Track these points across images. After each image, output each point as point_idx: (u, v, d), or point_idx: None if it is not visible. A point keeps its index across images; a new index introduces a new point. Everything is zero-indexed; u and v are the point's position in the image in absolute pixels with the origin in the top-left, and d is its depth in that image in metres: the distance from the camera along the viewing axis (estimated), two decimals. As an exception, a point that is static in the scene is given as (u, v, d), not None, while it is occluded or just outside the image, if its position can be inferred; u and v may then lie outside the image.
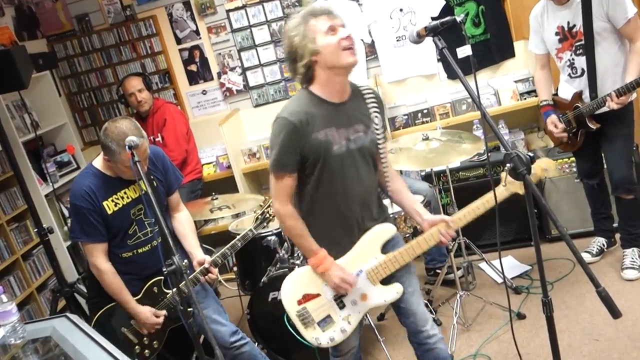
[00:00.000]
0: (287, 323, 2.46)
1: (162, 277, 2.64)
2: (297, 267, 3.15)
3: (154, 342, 2.72)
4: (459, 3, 4.48)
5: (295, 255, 3.30)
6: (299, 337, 2.37)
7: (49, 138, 4.67)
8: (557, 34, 3.16)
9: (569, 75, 3.22)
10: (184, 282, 2.05)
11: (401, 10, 4.51)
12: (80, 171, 2.63)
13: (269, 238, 3.33)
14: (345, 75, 2.13)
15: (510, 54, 4.54)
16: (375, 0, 4.52)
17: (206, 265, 2.62)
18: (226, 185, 4.55)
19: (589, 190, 3.53)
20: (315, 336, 2.28)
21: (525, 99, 4.34)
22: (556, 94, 3.39)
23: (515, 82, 4.41)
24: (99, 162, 2.61)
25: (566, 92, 3.27)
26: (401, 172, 4.10)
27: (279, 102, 4.86)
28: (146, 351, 2.71)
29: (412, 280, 2.33)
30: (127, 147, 2.29)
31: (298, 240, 2.23)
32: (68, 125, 4.69)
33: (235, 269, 3.71)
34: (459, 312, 3.27)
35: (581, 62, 3.11)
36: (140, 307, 2.61)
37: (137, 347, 2.69)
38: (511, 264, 3.77)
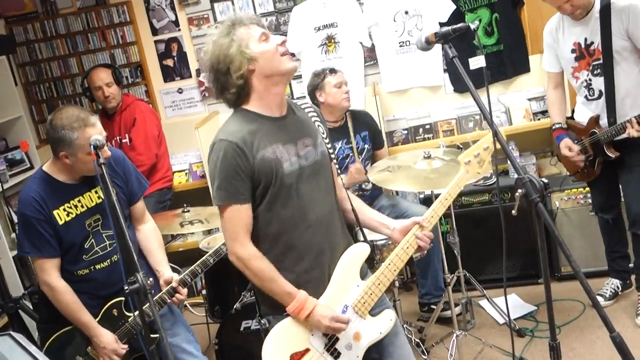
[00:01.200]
0: None
1: (123, 298, 2.62)
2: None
3: None
4: (470, 9, 4.55)
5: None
6: None
7: (1, 132, 4.64)
8: (573, 51, 3.23)
9: (586, 97, 3.28)
10: (148, 303, 2.03)
11: (407, 12, 4.57)
12: (29, 176, 2.59)
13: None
14: (285, 84, 2.13)
15: (525, 68, 4.61)
16: (378, 1, 4.57)
17: (174, 284, 2.61)
18: (199, 197, 4.54)
19: (604, 226, 3.58)
20: None
21: (539, 119, 4.39)
22: (571, 117, 3.45)
23: (529, 100, 4.48)
24: (49, 166, 2.59)
25: (583, 115, 3.33)
26: (397, 192, 4.14)
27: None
28: None
29: (389, 306, 2.31)
30: (91, 146, 2.30)
31: (269, 285, 2.09)
32: (23, 119, 4.66)
33: (204, 292, 3.70)
34: (455, 354, 3.28)
35: (599, 83, 3.17)
36: (102, 330, 2.58)
37: None
38: (515, 303, 3.81)
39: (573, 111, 3.49)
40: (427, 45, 1.86)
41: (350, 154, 3.80)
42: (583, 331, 3.39)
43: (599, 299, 3.61)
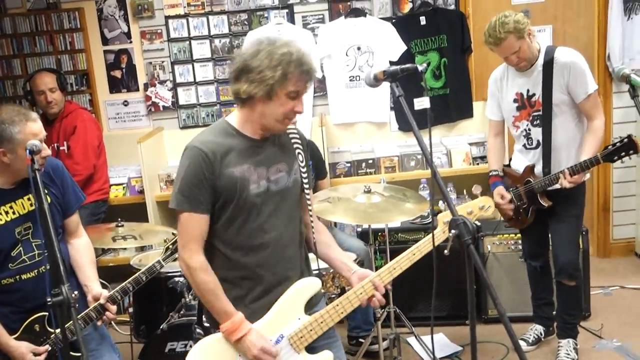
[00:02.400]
0: None
1: (47, 313, 2.48)
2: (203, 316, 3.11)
3: None
4: (421, 51, 4.68)
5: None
6: None
7: None
8: (515, 100, 3.32)
9: (524, 145, 3.37)
10: (73, 320, 1.96)
11: (359, 48, 4.66)
12: None
13: (176, 279, 3.26)
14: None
15: (469, 113, 4.76)
16: (332, 34, 4.65)
17: (102, 300, 2.50)
18: (135, 212, 4.45)
19: (532, 272, 3.67)
20: None
21: (478, 164, 4.52)
22: (508, 165, 3.55)
23: (470, 144, 4.61)
24: None
25: (519, 163, 3.43)
26: (336, 224, 4.15)
27: (210, 127, 4.86)
28: None
29: (340, 350, 2.29)
30: (27, 151, 2.22)
31: (209, 298, 2.08)
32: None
33: (130, 310, 3.60)
34: (379, 389, 3.28)
35: (537, 133, 3.28)
36: (14, 342, 2.44)
37: None
38: (442, 342, 3.85)
39: (511, 159, 3.59)
40: (375, 82, 1.90)
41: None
42: (505, 375, 3.47)
43: (522, 343, 3.68)
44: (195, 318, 3.09)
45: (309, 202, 2.26)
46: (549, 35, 4.73)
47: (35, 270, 2.51)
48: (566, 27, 4.75)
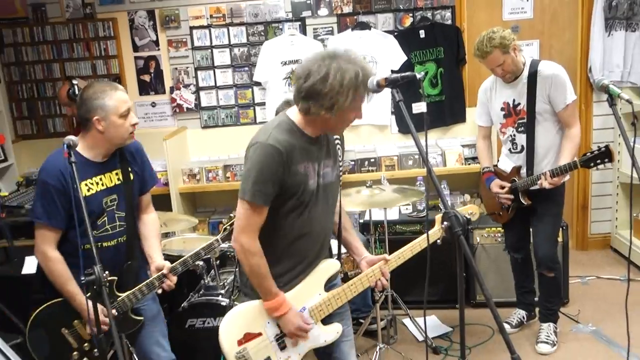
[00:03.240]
0: None
1: (116, 278, 2.47)
2: (221, 296, 3.13)
3: (95, 351, 2.51)
4: (420, 61, 4.67)
5: (221, 284, 3.26)
6: None
7: (-21, 124, 4.49)
8: (502, 109, 3.33)
9: (510, 150, 3.39)
10: (103, 297, 1.97)
11: (364, 58, 4.61)
12: (54, 151, 2.44)
13: (196, 263, 3.29)
14: None
15: (462, 118, 4.76)
16: (340, 44, 4.64)
17: (165, 271, 2.49)
18: (160, 202, 4.45)
19: (514, 263, 3.67)
20: None
21: (469, 164, 4.51)
22: (495, 166, 3.55)
23: (463, 146, 4.60)
24: (77, 144, 2.43)
25: (506, 165, 3.44)
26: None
27: (228, 127, 4.88)
28: (84, 359, 2.51)
29: (349, 325, 2.33)
30: (64, 145, 2.24)
31: (259, 280, 2.10)
32: (3, 114, 4.53)
33: (159, 291, 3.61)
34: (377, 365, 3.30)
35: (522, 139, 3.29)
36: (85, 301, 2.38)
37: (75, 352, 2.48)
38: (434, 323, 3.85)
39: (498, 160, 3.59)
40: (378, 87, 1.90)
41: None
42: (490, 353, 3.46)
43: (506, 325, 3.69)
44: (213, 298, 3.12)
45: (339, 188, 2.30)
46: (536, 48, 4.71)
47: (115, 240, 2.50)
48: (552, 41, 4.73)
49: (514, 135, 3.32)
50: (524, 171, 3.32)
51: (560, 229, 3.89)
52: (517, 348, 3.49)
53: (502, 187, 3.36)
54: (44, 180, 2.38)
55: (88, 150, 2.44)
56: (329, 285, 2.26)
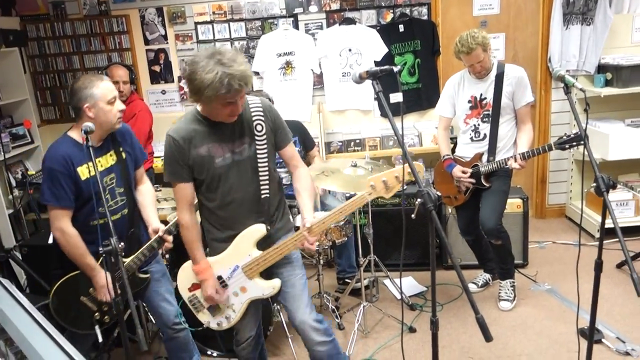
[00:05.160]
0: (179, 310, 2.55)
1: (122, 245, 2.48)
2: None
3: (113, 309, 2.53)
4: (399, 53, 4.62)
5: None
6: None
7: (8, 110, 4.42)
8: (469, 101, 3.31)
9: (471, 138, 3.35)
10: (119, 265, 1.97)
11: (350, 50, 4.60)
12: (55, 140, 2.43)
13: (202, 232, 3.29)
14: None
15: (436, 103, 4.68)
16: (329, 38, 4.58)
17: (160, 233, 2.48)
18: (170, 179, 4.43)
19: (469, 243, 3.67)
20: (206, 320, 2.39)
21: (442, 144, 4.49)
22: (453, 153, 3.50)
23: (437, 128, 4.55)
24: (73, 132, 2.45)
25: (465, 152, 3.40)
26: (329, 191, 4.14)
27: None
28: (105, 317, 2.55)
29: (296, 276, 2.33)
30: (82, 131, 2.21)
31: (189, 247, 2.26)
32: (28, 101, 4.46)
33: (167, 256, 3.61)
34: (361, 320, 3.32)
35: (485, 128, 3.29)
36: (101, 272, 2.43)
37: (96, 314, 2.53)
38: (410, 283, 3.88)
39: (453, 150, 3.52)
40: (360, 79, 1.87)
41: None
42: (460, 310, 3.49)
43: (473, 286, 3.72)
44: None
45: (264, 161, 2.20)
46: (502, 41, 4.66)
47: (119, 214, 2.50)
48: (516, 34, 4.68)
49: (478, 124, 3.30)
50: (485, 157, 3.31)
51: (521, 200, 3.93)
52: (482, 303, 3.55)
53: (464, 172, 3.34)
54: (49, 167, 2.36)
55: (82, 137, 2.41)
56: (270, 246, 2.25)
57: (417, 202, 1.67)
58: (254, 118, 2.19)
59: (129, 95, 4.00)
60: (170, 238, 2.54)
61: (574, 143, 2.91)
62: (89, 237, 2.43)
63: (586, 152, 2.15)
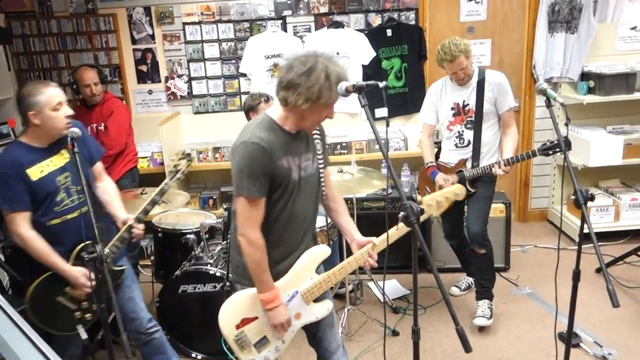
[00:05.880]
0: (223, 346, 2.20)
1: (90, 241, 2.45)
2: (209, 265, 3.14)
3: (94, 306, 2.53)
4: (387, 57, 4.66)
5: (209, 255, 3.27)
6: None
7: (-8, 109, 4.38)
8: (452, 109, 3.32)
9: (455, 145, 3.36)
10: (105, 267, 1.99)
11: (338, 53, 4.62)
12: (6, 146, 2.45)
13: (188, 236, 3.30)
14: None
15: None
16: (317, 41, 4.60)
17: (130, 222, 2.51)
18: (156, 180, 4.38)
19: (453, 247, 3.71)
20: (251, 358, 2.13)
21: (428, 148, 4.53)
22: (437, 159, 3.49)
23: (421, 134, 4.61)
24: (22, 136, 2.47)
25: (450, 158, 3.40)
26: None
27: (218, 113, 4.83)
28: (87, 315, 2.55)
29: (330, 296, 2.26)
30: (68, 138, 2.23)
31: (259, 272, 2.00)
32: (13, 100, 4.41)
33: (152, 258, 3.62)
34: (345, 323, 3.36)
35: (469, 134, 3.30)
36: (70, 267, 2.43)
37: (77, 312, 2.52)
38: (394, 287, 3.93)
39: (437, 157, 3.52)
40: (346, 93, 1.88)
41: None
42: (442, 313, 3.54)
43: (456, 289, 3.77)
44: (203, 267, 3.13)
45: (322, 179, 2.20)
46: (488, 47, 4.73)
47: (77, 211, 2.50)
48: (502, 40, 4.74)
49: (462, 131, 3.32)
50: (469, 162, 3.32)
51: (504, 205, 3.99)
52: (465, 308, 3.57)
53: (447, 180, 3.32)
54: (0, 172, 2.36)
55: (33, 140, 2.44)
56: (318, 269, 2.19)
57: (400, 216, 1.71)
58: (314, 135, 2.14)
59: (102, 95, 4.00)
60: (141, 226, 2.55)
61: (557, 149, 2.92)
62: (51, 237, 2.43)
63: (568, 163, 2.20)
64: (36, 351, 1.69)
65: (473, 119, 3.26)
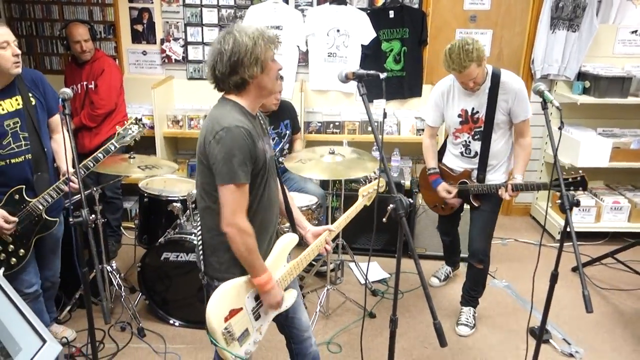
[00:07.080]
0: (212, 341, 1.98)
1: (24, 186, 2.55)
2: (193, 235, 3.14)
3: (20, 251, 2.60)
4: (387, 39, 4.62)
5: (195, 224, 3.27)
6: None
7: (-20, 56, 4.26)
8: (459, 116, 3.04)
9: (461, 153, 3.14)
10: (88, 236, 1.99)
11: (338, 30, 4.57)
12: None
13: (174, 204, 3.29)
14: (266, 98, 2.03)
15: (418, 93, 4.76)
16: (318, 16, 4.54)
17: (68, 175, 2.57)
18: (145, 144, 4.38)
19: (444, 242, 3.74)
20: (235, 352, 2.02)
21: (420, 134, 4.52)
22: (441, 162, 3.31)
23: (416, 118, 4.63)
24: None
25: (454, 164, 3.21)
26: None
27: (212, 81, 4.77)
28: (12, 259, 2.59)
29: (295, 282, 2.28)
30: (59, 99, 2.20)
31: (252, 258, 1.93)
32: None
33: (136, 221, 3.62)
34: (323, 302, 3.40)
35: (476, 145, 3.06)
36: None
37: (1, 254, 2.57)
38: (375, 269, 3.98)
39: (440, 158, 3.34)
40: (346, 79, 1.88)
41: (276, 138, 3.79)
42: (419, 299, 3.61)
43: (434, 280, 3.82)
44: (187, 236, 3.13)
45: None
46: (489, 37, 4.71)
47: (22, 157, 2.55)
48: (504, 32, 4.73)
49: (469, 141, 3.07)
50: (474, 175, 3.12)
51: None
52: (444, 295, 3.61)
53: (449, 192, 3.17)
54: None
55: None
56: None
57: (389, 208, 1.73)
58: (262, 122, 2.11)
59: (92, 52, 3.93)
60: (76, 180, 2.48)
61: (573, 188, 2.72)
62: None
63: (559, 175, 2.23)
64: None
65: (482, 129, 2.99)
